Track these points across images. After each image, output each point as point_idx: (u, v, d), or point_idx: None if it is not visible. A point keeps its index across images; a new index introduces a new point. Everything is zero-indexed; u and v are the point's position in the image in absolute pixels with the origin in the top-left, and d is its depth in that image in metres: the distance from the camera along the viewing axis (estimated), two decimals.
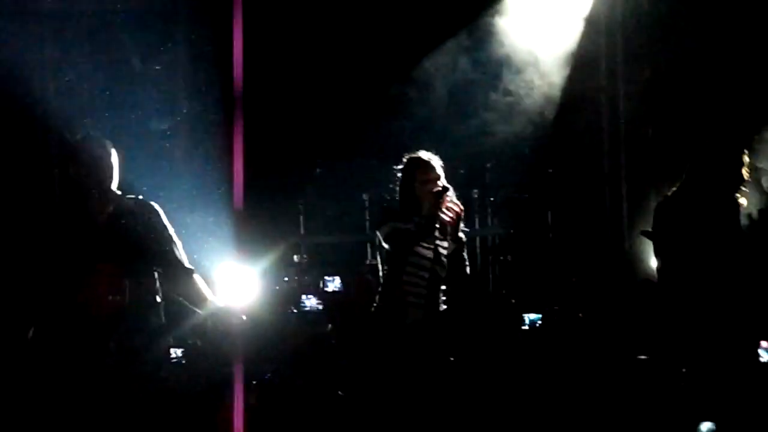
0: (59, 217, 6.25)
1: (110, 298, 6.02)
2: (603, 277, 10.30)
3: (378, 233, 7.21)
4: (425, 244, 7.07)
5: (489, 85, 10.63)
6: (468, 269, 7.19)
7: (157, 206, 6.32)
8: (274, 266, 10.21)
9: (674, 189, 7.20)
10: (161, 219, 6.31)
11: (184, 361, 7.25)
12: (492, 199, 11.33)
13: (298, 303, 9.87)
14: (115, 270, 6.06)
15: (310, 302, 9.99)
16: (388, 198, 7.39)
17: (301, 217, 11.06)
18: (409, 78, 10.94)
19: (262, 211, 10.56)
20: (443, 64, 10.82)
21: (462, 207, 7.08)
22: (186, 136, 10.87)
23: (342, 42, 11.06)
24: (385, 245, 7.24)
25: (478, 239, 11.20)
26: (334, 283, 10.13)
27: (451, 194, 7.04)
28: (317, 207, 11.27)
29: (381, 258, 7.51)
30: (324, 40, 10.93)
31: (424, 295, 7.06)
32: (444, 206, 6.97)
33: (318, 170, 10.87)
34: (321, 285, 10.14)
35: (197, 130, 10.80)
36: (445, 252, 7.08)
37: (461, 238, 7.16)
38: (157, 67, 10.71)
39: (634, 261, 10.06)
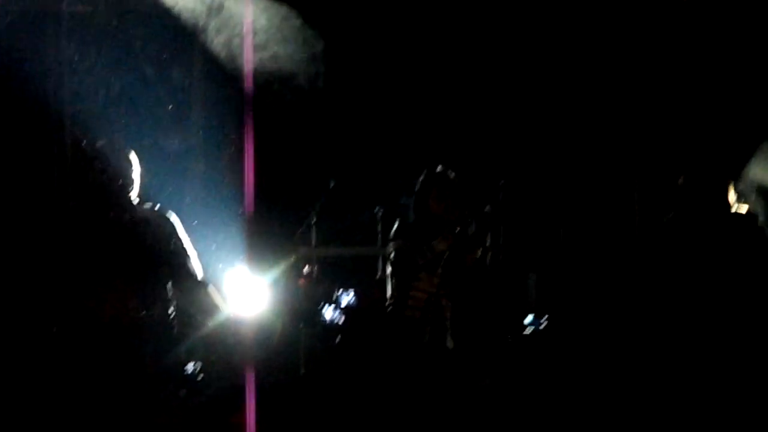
0: (74, 223, 6.19)
1: (128, 306, 5.99)
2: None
3: (388, 248, 7.17)
4: (430, 274, 7.05)
5: None
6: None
7: (173, 216, 6.25)
8: (284, 277, 10.12)
9: (669, 216, 7.28)
10: (177, 230, 6.26)
11: (195, 374, 7.23)
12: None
13: (312, 315, 9.75)
14: (129, 278, 6.02)
15: (330, 314, 9.79)
16: (402, 211, 7.44)
17: (313, 228, 10.86)
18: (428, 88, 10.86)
19: (273, 222, 10.62)
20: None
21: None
22: (199, 146, 10.79)
23: (357, 52, 11.02)
24: (390, 266, 7.20)
25: None
26: (348, 298, 9.92)
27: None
28: (329, 219, 11.13)
29: (390, 272, 7.47)
30: (338, 48, 10.81)
31: (430, 317, 7.08)
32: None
33: (332, 182, 10.65)
34: (335, 298, 10.00)
35: (211, 139, 10.73)
36: (453, 279, 7.10)
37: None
38: (172, 75, 10.61)
39: None
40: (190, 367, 6.17)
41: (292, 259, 10.44)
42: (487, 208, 10.64)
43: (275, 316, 9.39)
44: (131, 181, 6.21)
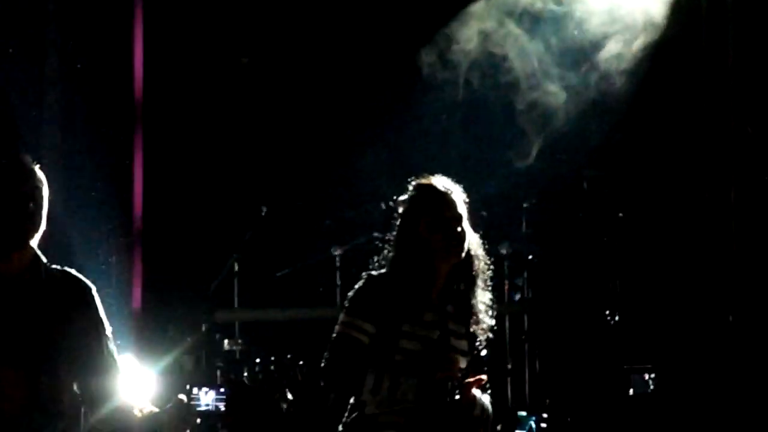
0: None
1: (17, 390, 4.76)
2: None
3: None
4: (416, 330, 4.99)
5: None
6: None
7: (90, 284, 5.02)
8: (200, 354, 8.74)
9: None
10: (96, 302, 5.04)
11: None
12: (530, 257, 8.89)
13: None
14: (27, 354, 4.85)
15: (207, 398, 8.64)
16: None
17: (235, 283, 8.60)
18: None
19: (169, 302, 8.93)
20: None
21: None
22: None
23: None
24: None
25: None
26: (207, 397, 8.59)
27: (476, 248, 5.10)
28: (259, 269, 8.87)
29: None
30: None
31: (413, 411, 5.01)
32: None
33: (264, 209, 8.31)
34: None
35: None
36: (460, 345, 5.09)
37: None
38: None
39: None
40: None
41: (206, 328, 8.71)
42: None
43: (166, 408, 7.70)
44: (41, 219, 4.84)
